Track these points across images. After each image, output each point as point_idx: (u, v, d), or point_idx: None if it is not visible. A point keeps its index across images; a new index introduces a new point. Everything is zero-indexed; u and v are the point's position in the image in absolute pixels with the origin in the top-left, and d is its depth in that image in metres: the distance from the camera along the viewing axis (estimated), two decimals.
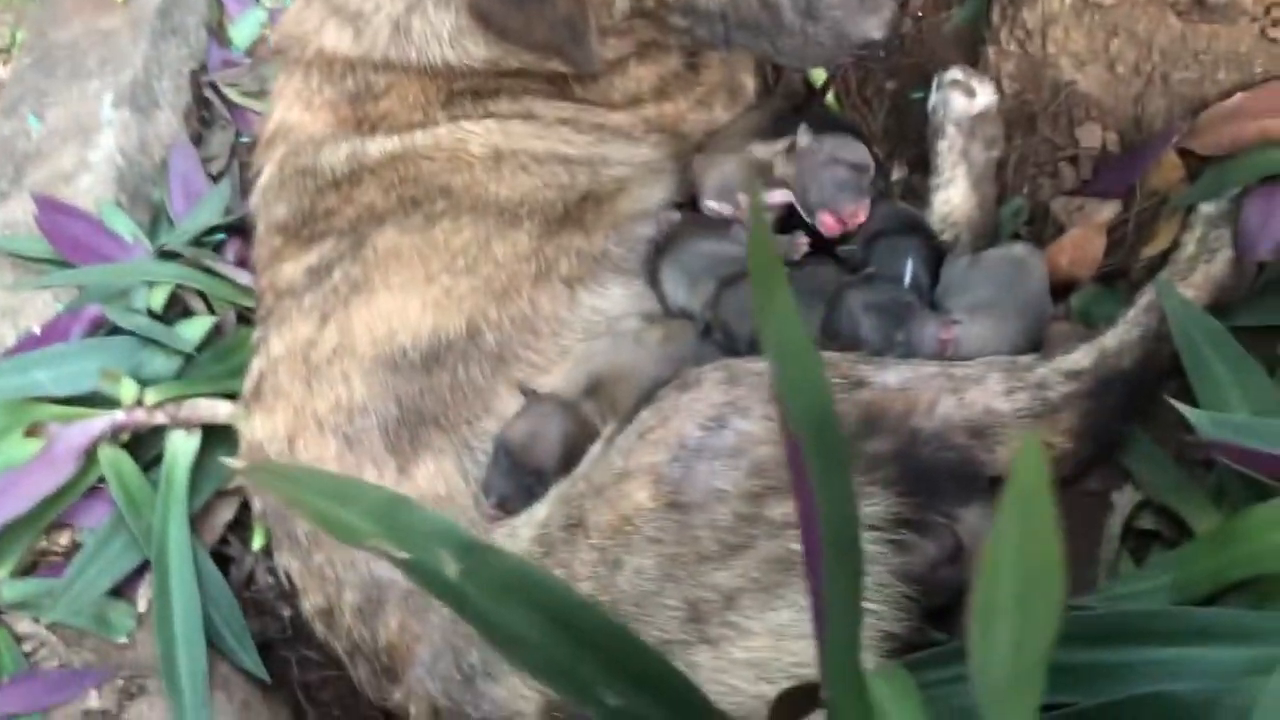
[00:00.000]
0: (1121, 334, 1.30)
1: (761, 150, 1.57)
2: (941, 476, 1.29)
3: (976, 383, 1.29)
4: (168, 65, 2.14)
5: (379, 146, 1.53)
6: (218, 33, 2.19)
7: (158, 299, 1.69)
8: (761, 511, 1.23)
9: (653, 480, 1.25)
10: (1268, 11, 1.33)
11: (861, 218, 1.44)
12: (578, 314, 1.50)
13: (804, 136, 1.49)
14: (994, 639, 0.53)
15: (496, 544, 1.35)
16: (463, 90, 1.55)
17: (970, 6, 1.65)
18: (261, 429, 1.47)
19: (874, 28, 1.42)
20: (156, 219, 1.95)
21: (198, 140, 2.09)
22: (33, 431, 1.52)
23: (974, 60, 1.61)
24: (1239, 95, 1.39)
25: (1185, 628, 0.96)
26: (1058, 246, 1.42)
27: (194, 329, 1.66)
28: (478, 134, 1.53)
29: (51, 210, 1.85)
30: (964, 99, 1.54)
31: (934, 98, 1.57)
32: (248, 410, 1.50)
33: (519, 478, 1.35)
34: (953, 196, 1.52)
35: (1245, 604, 1.01)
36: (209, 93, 2.14)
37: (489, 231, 1.48)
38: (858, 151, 1.47)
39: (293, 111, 1.59)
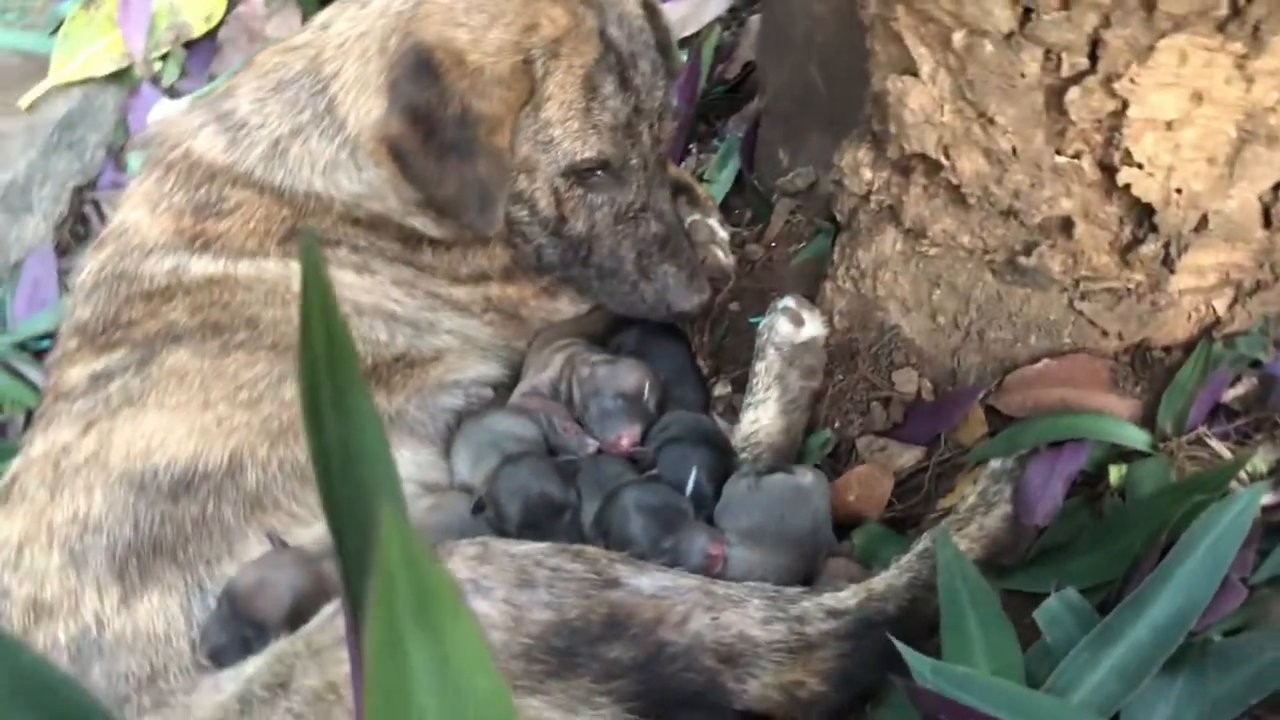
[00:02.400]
0: (890, 578, 1.25)
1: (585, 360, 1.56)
2: (682, 700, 1.20)
3: (736, 605, 1.22)
4: (53, 175, 2.14)
5: (203, 266, 1.50)
6: (117, 155, 2.21)
7: None
8: None
9: None
10: (1078, 284, 1.35)
11: (627, 444, 1.44)
12: None
13: (583, 366, 1.52)
14: None
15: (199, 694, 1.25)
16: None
17: (817, 243, 1.67)
18: None
19: (692, 304, 1.60)
20: None
21: (65, 251, 2.07)
22: None
23: (814, 294, 1.62)
24: (1045, 361, 1.39)
25: None
26: (845, 481, 1.38)
27: None
28: None
29: None
30: (791, 326, 1.54)
31: (765, 320, 1.57)
32: None
33: (237, 628, 1.25)
34: (761, 417, 1.50)
35: None
36: (90, 209, 2.13)
37: (284, 371, 1.44)
38: (629, 379, 1.48)
39: (136, 213, 1.56)
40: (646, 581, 1.23)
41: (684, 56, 2.14)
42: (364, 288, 1.54)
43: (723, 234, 1.76)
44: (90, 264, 1.56)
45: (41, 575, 1.32)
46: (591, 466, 1.39)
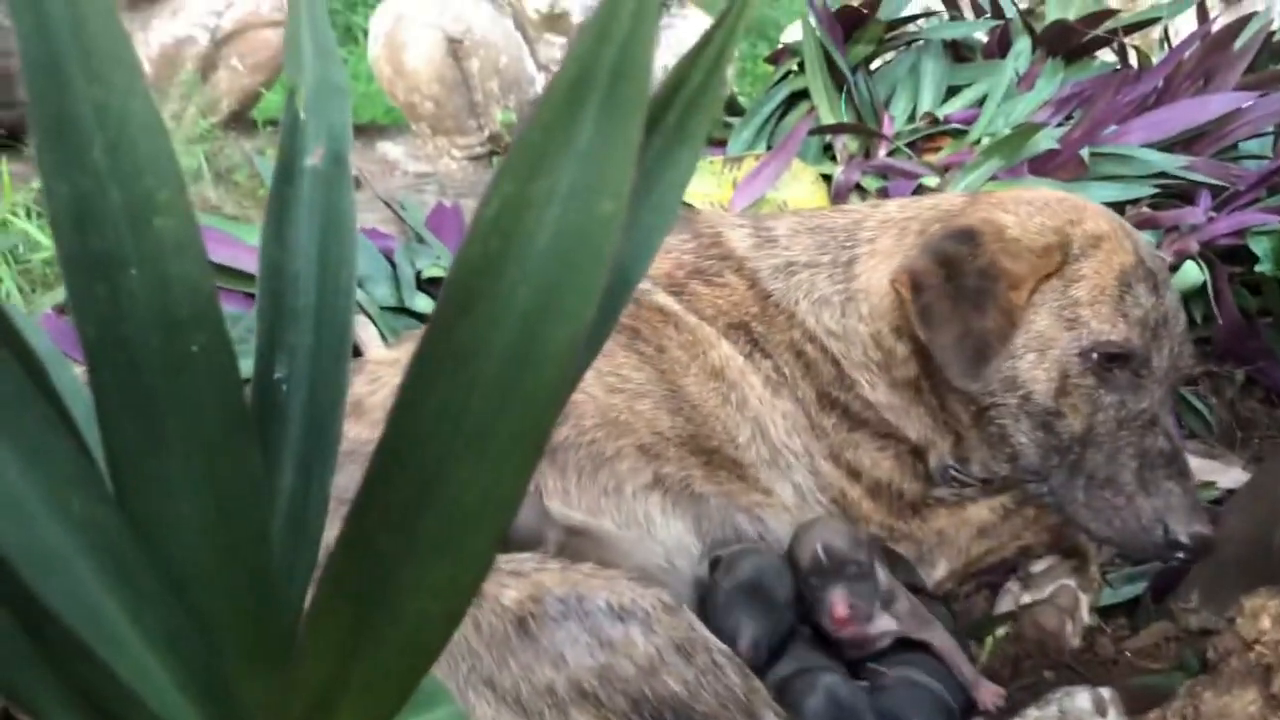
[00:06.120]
0: None
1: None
2: None
3: None
4: None
5: (663, 299, 1.67)
6: None
7: None
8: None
9: None
10: None
11: None
12: (635, 508, 1.49)
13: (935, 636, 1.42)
14: None
15: None
16: (759, 333, 1.66)
17: (1172, 677, 1.49)
18: None
19: (1194, 532, 1.48)
20: None
21: None
22: None
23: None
24: None
25: None
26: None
27: None
28: (729, 360, 1.62)
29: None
30: (1091, 708, 1.37)
31: (1075, 689, 1.41)
32: None
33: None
34: None
35: None
36: None
37: (652, 395, 1.55)
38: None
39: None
40: None
41: None
42: (759, 396, 1.62)
43: (1084, 614, 1.63)
44: None
45: None
46: (806, 641, 1.32)
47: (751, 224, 1.80)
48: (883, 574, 1.37)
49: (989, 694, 1.34)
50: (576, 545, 1.34)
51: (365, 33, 3.70)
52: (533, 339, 0.53)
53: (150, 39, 3.07)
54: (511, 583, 1.17)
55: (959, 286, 1.52)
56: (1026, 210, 1.59)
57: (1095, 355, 1.52)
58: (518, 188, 0.52)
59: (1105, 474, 1.53)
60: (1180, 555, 1.51)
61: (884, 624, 1.33)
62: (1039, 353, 1.54)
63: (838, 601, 1.27)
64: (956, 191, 2.08)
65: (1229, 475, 2.13)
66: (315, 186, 0.81)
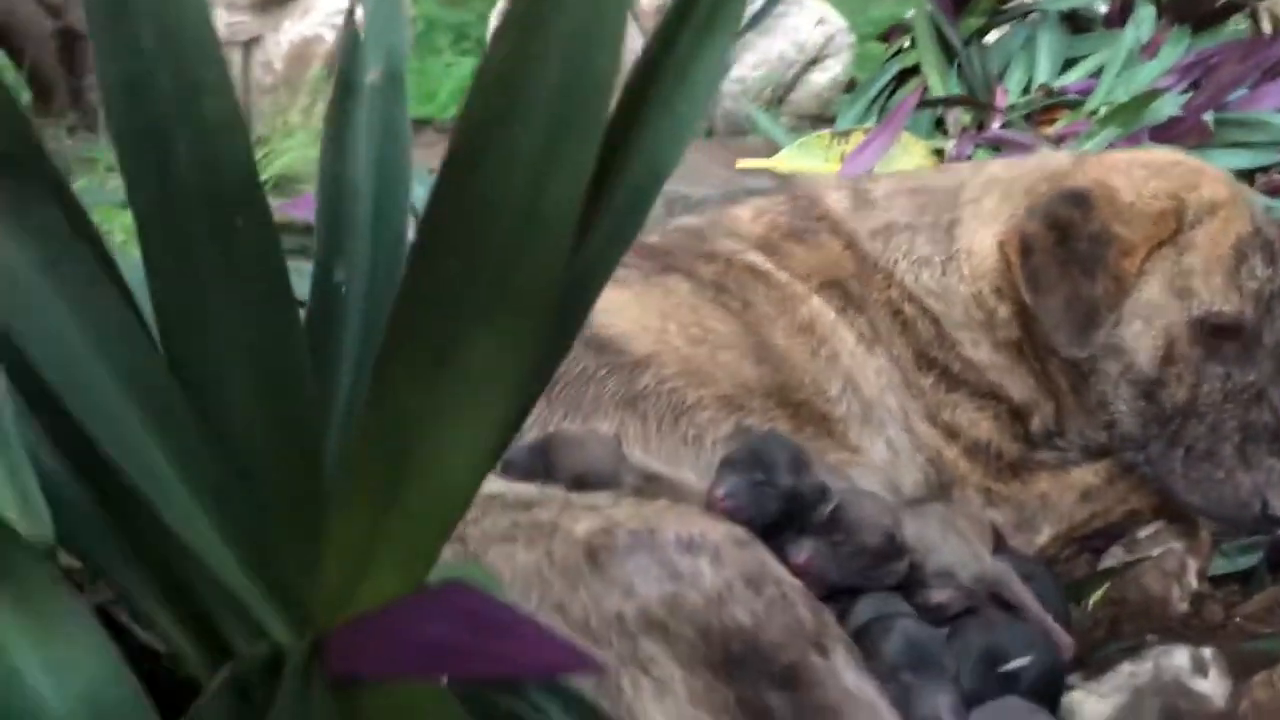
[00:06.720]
0: None
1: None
2: None
3: None
4: None
5: (755, 258, 1.66)
6: None
7: None
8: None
9: None
10: None
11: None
12: (715, 459, 1.49)
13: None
14: None
15: None
16: (853, 292, 1.65)
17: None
18: None
19: None
20: None
21: None
22: None
23: (1240, 679, 1.38)
24: None
25: None
26: None
27: None
28: (819, 315, 1.61)
29: None
30: (1189, 665, 1.32)
31: (1174, 647, 1.36)
32: None
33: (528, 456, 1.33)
34: (1086, 706, 1.29)
35: None
36: None
37: (736, 347, 1.55)
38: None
39: (743, 210, 1.78)
40: (852, 679, 1.12)
41: None
42: (851, 351, 1.60)
43: (1191, 580, 1.56)
44: (686, 219, 1.82)
45: None
46: (883, 598, 1.29)
47: (850, 186, 1.80)
48: (946, 553, 1.33)
49: (1065, 641, 1.30)
50: (653, 492, 1.35)
51: None
52: (540, 193, 0.55)
53: (281, 39, 3.22)
54: (584, 516, 1.19)
55: (1069, 251, 1.51)
56: (1141, 174, 1.56)
57: (1205, 326, 1.49)
58: (518, 43, 0.54)
59: (1205, 446, 1.51)
60: (1278, 530, 1.47)
61: (945, 594, 1.30)
62: (1146, 320, 1.51)
63: (804, 550, 1.25)
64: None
65: None
66: (373, 102, 0.85)
